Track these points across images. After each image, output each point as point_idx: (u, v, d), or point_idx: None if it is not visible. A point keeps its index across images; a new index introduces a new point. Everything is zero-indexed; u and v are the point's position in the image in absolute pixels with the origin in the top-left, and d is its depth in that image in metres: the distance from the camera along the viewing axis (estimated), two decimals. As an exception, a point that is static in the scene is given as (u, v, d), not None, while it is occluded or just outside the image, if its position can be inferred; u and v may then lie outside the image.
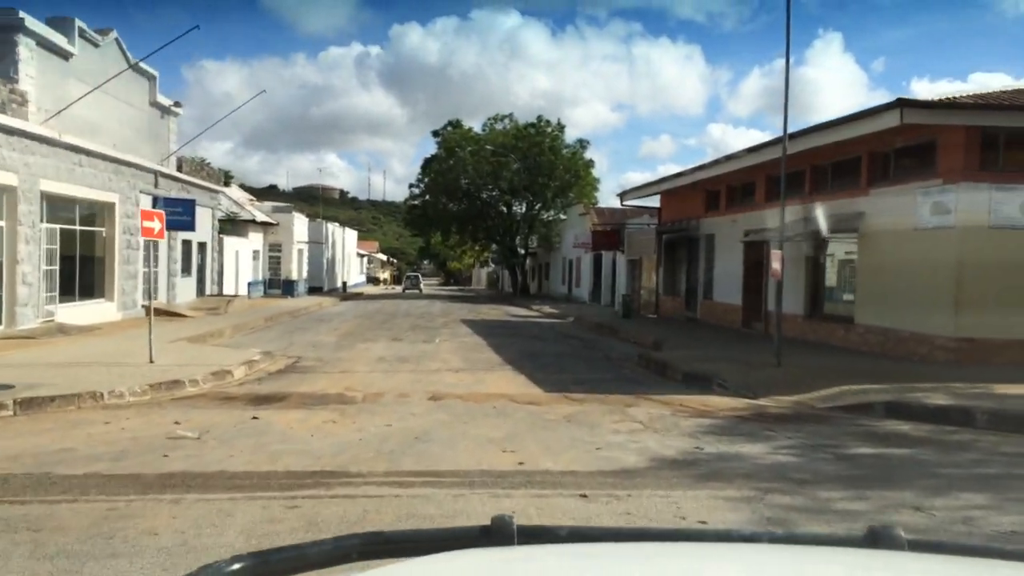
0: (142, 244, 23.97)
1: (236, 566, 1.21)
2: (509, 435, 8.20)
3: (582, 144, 50.10)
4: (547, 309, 35.32)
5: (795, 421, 9.51)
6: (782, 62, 13.14)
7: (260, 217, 41.70)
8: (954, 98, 12.98)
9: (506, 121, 51.78)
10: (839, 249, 18.06)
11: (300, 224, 47.18)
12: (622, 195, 29.79)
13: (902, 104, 12.83)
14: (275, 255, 43.95)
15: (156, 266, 25.72)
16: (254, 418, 8.86)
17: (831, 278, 18.46)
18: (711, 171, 21.73)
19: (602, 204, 47.06)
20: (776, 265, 13.55)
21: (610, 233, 33.91)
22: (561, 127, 49.91)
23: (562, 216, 50.03)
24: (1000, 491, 6.37)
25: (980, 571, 1.32)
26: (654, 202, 30.08)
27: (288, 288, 41.85)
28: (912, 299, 14.35)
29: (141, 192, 23.67)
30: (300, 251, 47.03)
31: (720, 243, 23.46)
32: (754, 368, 13.34)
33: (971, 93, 13.35)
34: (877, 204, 15.71)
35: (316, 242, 50.74)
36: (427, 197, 52.87)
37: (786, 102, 13.85)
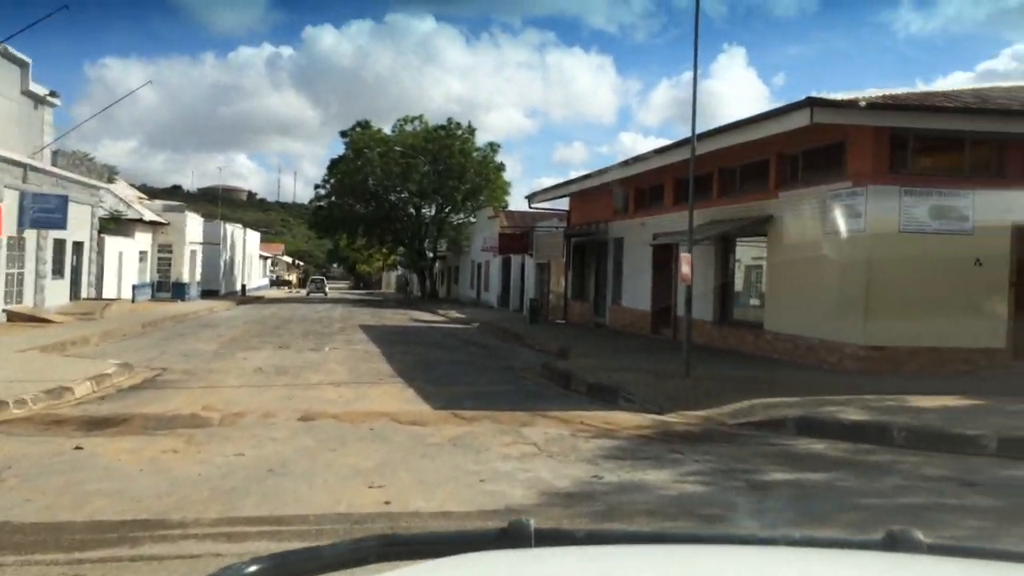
0: (4, 243, 21.79)
1: (254, 568, 1.21)
2: (381, 465, 7.06)
3: (493, 147, 49.21)
4: (454, 314, 34.23)
5: (704, 441, 8.67)
6: (690, 74, 12.53)
7: (148, 216, 39.21)
8: (863, 98, 12.50)
9: (416, 123, 50.46)
10: (749, 253, 17.57)
11: (194, 224, 44.69)
12: (530, 197, 28.96)
13: (812, 103, 12.27)
14: (165, 256, 41.41)
15: (22, 267, 23.53)
16: (77, 448, 7.44)
17: (741, 283, 17.96)
18: (619, 172, 21.05)
19: (516, 209, 46.29)
20: (685, 269, 12.82)
21: (518, 236, 33.04)
22: (472, 130, 48.91)
23: (472, 219, 49.01)
24: (931, 525, 5.58)
25: (1001, 575, 1.33)
26: (565, 205, 29.40)
27: (179, 291, 39.47)
28: (822, 305, 13.85)
29: (6, 187, 21.48)
30: (194, 252, 44.55)
31: (629, 247, 22.83)
32: (662, 379, 12.55)
33: (880, 94, 12.92)
34: (786, 207, 15.21)
35: (212, 243, 48.22)
36: (333, 198, 51.07)
37: (694, 101, 13.14)
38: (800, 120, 12.58)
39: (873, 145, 12.93)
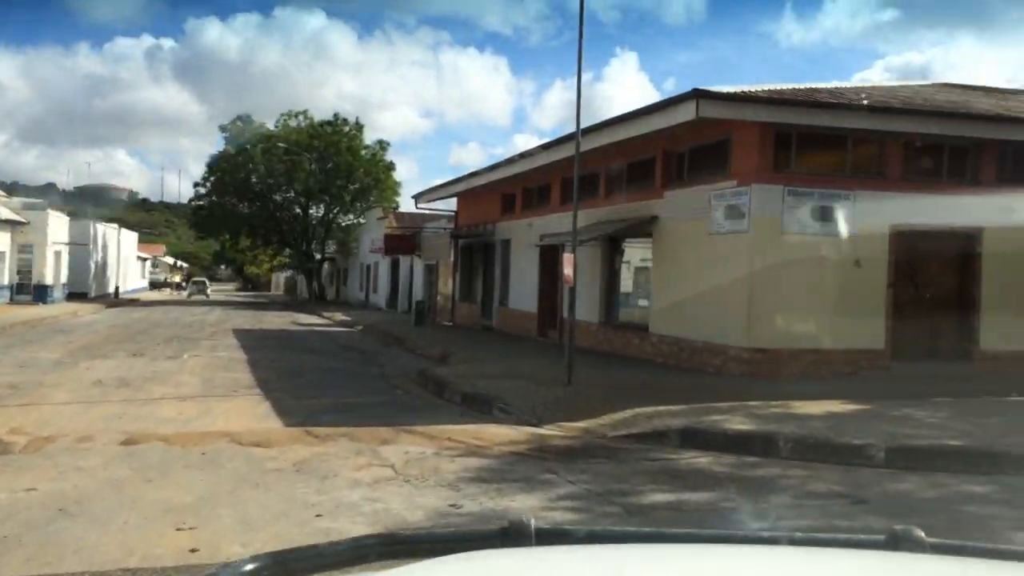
0: None
1: (253, 566, 1.21)
2: (201, 500, 5.99)
3: (382, 145, 47.85)
4: (339, 317, 32.85)
5: (582, 456, 7.95)
6: (584, 76, 11.84)
7: (5, 214, 36.12)
8: (750, 92, 12.13)
9: (301, 118, 48.53)
10: (637, 254, 17.13)
11: (58, 223, 41.53)
12: (417, 197, 27.96)
13: (698, 95, 11.80)
14: (26, 257, 38.29)
15: None
16: None
17: (627, 284, 17.49)
18: (506, 171, 20.33)
19: (410, 210, 45.07)
20: (568, 270, 12.14)
21: (404, 237, 31.98)
22: (359, 127, 47.40)
23: (361, 220, 47.51)
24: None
25: (1004, 574, 1.34)
26: (455, 206, 28.53)
27: (41, 294, 36.57)
28: (706, 307, 13.45)
29: None
30: (58, 253, 41.39)
31: (516, 248, 22.14)
32: (543, 386, 11.83)
33: (765, 89, 12.60)
34: (671, 206, 14.78)
35: (80, 244, 45.01)
36: (213, 197, 48.59)
37: (578, 96, 12.50)
38: (686, 113, 12.10)
39: (758, 143, 12.59)
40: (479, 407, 10.70)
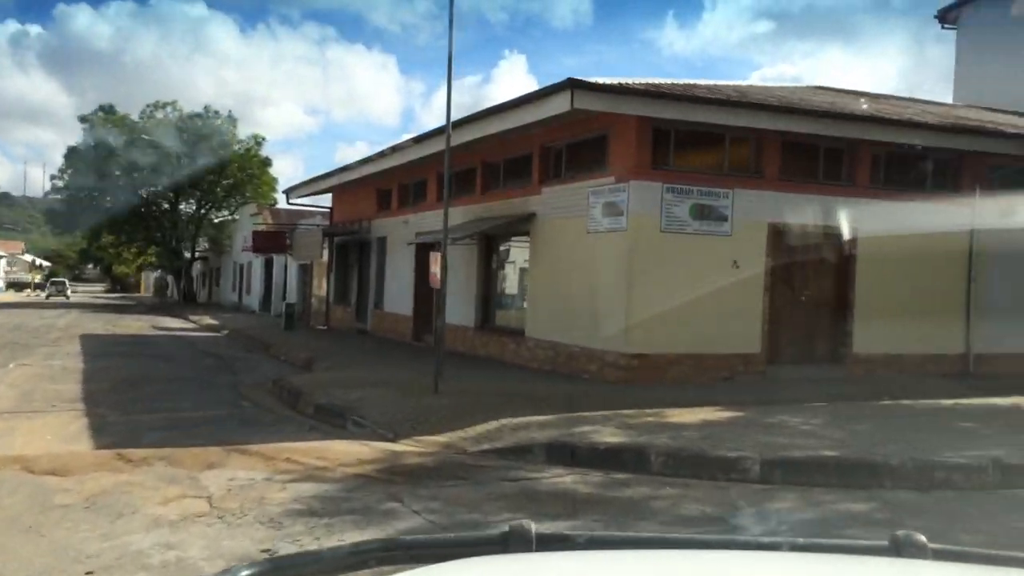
0: None
1: (252, 571, 1.20)
2: (-58, 552, 4.80)
3: (257, 139, 45.59)
4: (207, 320, 30.88)
5: (436, 477, 7.08)
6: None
7: None
8: (627, 84, 11.57)
9: (169, 109, 45.68)
10: (514, 254, 16.41)
11: None
12: (289, 192, 26.46)
13: (573, 85, 11.14)
14: None
15: None
16: None
17: (504, 285, 16.75)
18: (378, 165, 19.24)
19: (287, 207, 43.07)
20: (434, 270, 11.28)
21: (275, 234, 30.31)
22: (233, 119, 45.03)
23: (235, 217, 45.17)
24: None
25: None
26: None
27: None
28: (583, 310, 12.84)
29: None
30: None
31: (392, 247, 21.09)
32: (409, 395, 10.92)
33: (643, 82, 12.08)
34: (549, 204, 14.12)
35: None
36: (71, 191, 45.16)
37: (449, 81, 11.65)
38: (561, 104, 11.42)
39: (636, 137, 12.05)
40: (332, 420, 9.69)
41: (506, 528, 1.35)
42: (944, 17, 26.04)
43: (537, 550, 1.34)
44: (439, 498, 6.34)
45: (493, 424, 9.02)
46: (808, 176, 13.11)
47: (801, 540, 1.46)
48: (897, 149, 13.33)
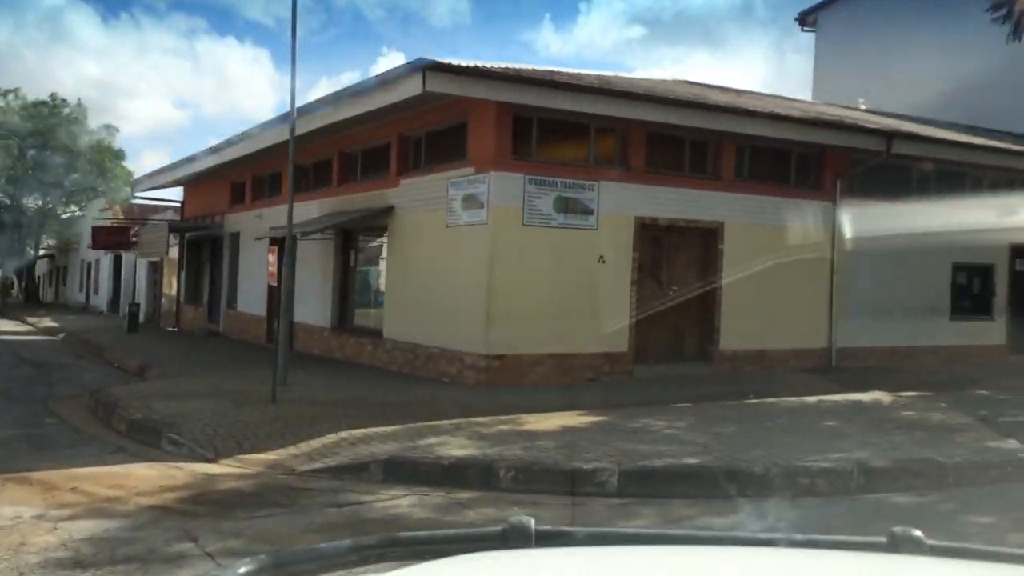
0: None
1: (253, 567, 1.21)
2: None
3: (109, 130, 42.46)
4: (47, 323, 28.26)
5: (249, 506, 6.08)
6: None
7: None
8: (484, 66, 10.80)
9: (11, 96, 41.95)
10: (373, 250, 15.41)
11: None
12: (134, 184, 24.44)
13: (425, 67, 10.27)
14: None
15: None
16: None
17: (364, 283, 15.71)
18: (225, 155, 17.77)
19: (142, 202, 40.22)
20: (272, 266, 10.20)
21: (119, 230, 28.04)
22: (83, 109, 41.76)
23: (84, 214, 41.91)
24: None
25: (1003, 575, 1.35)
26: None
27: None
28: (443, 309, 12.01)
29: None
30: None
31: (245, 242, 19.60)
32: (244, 406, 9.81)
33: (501, 66, 11.33)
34: (408, 196, 13.21)
35: None
36: None
37: (293, 59, 10.60)
38: (413, 87, 10.53)
39: (496, 125, 11.31)
40: (146, 438, 8.47)
41: (506, 524, 1.36)
42: (804, 20, 26.71)
43: (537, 546, 1.34)
44: (244, 534, 5.36)
45: (332, 437, 8.06)
46: (674, 169, 12.73)
47: (798, 536, 1.46)
48: (761, 143, 13.15)
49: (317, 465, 7.24)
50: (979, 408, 10.12)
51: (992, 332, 15.93)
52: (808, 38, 26.63)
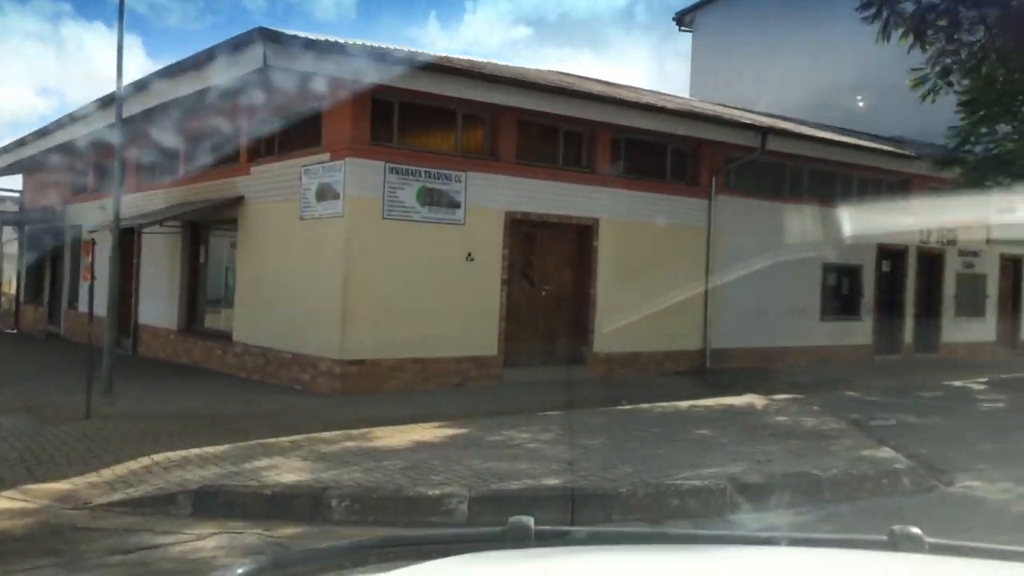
0: None
1: (254, 567, 1.21)
2: None
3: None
4: None
5: (13, 555, 4.94)
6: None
7: None
8: (335, 40, 9.78)
9: None
10: (224, 244, 14.10)
11: None
12: (-36, 169, 21.96)
13: (265, 37, 9.16)
14: None
15: None
16: None
17: (214, 281, 14.37)
18: (58, 137, 15.99)
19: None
20: (87, 261, 8.93)
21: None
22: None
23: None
24: None
25: (1002, 574, 1.36)
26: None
27: None
28: (296, 310, 10.95)
29: None
30: None
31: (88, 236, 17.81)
32: (52, 422, 8.55)
33: (360, 43, 10.33)
34: (259, 185, 12.05)
35: None
36: None
37: (121, 14, 9.30)
38: (253, 61, 9.41)
39: (352, 108, 10.33)
40: (-86, 466, 7.08)
41: (506, 524, 1.36)
42: (681, 20, 26.77)
43: (536, 545, 1.35)
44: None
45: (144, 461, 6.93)
46: (548, 161, 12.06)
47: (799, 535, 1.46)
48: (637, 136, 12.66)
49: (117, 496, 6.10)
50: (850, 411, 9.91)
51: (859, 332, 16.07)
52: (688, 40, 26.72)
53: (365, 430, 8.11)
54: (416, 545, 1.41)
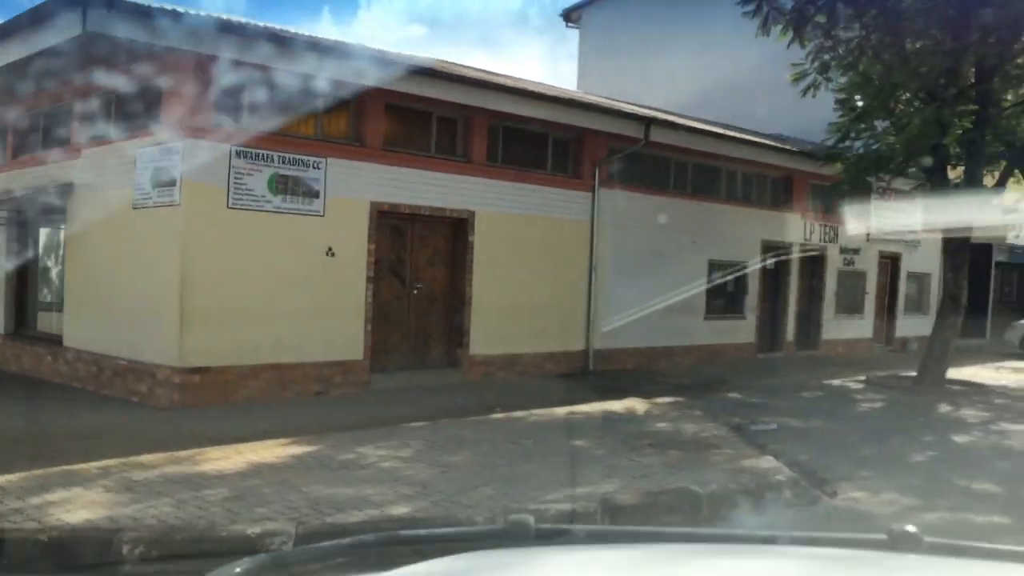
0: None
1: (253, 566, 1.19)
2: None
3: None
4: None
5: None
6: None
7: None
8: (175, 9, 8.60)
9: None
10: (57, 237, 12.58)
11: None
12: None
13: (86, 4, 7.91)
14: None
15: None
16: None
17: (47, 280, 12.81)
18: None
19: None
20: None
21: None
22: None
23: None
24: None
25: (1000, 573, 1.34)
26: None
27: None
28: (130, 311, 9.71)
29: None
30: None
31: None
32: None
33: (201, 12, 9.21)
34: (91, 171, 10.68)
35: None
36: None
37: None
38: (69, 27, 8.13)
39: (193, 83, 9.14)
40: None
41: (506, 522, 1.36)
42: (569, 16, 26.36)
43: (537, 543, 1.34)
44: None
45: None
46: (419, 148, 11.18)
47: (798, 534, 1.45)
48: (516, 124, 11.93)
49: None
50: (732, 415, 9.47)
51: (744, 330, 15.88)
52: (576, 38, 26.31)
53: (196, 451, 7.04)
54: (417, 543, 1.40)
